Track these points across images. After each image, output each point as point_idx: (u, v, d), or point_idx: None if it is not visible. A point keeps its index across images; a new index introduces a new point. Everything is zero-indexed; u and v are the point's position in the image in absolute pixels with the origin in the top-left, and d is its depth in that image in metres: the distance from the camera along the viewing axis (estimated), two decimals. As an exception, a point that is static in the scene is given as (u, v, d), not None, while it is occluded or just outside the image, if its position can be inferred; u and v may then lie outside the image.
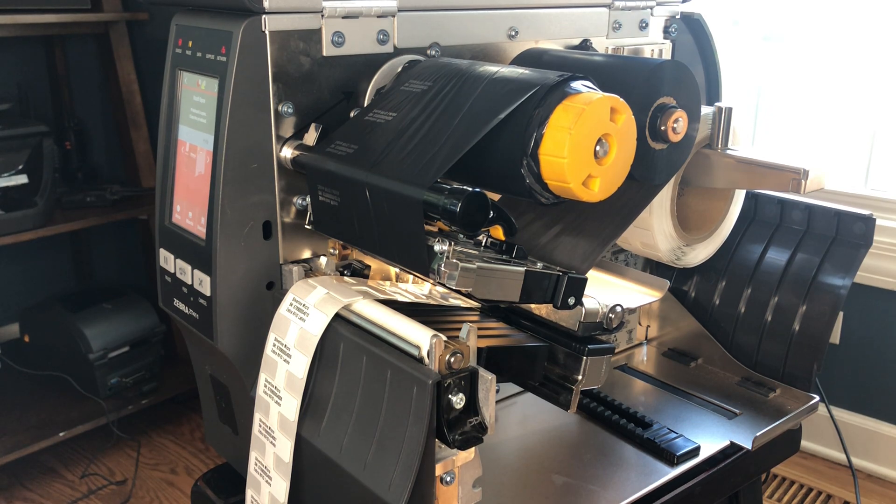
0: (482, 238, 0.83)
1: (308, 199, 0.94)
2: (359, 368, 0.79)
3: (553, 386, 0.91)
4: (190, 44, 0.95)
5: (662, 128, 0.92)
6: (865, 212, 1.16)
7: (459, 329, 0.75)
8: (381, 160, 0.81)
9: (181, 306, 0.99)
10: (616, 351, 1.29)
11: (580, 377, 0.88)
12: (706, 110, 1.08)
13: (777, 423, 1.11)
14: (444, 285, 0.76)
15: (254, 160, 0.91)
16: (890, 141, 2.09)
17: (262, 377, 0.88)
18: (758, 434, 1.07)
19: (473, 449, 0.78)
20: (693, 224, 1.19)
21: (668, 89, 0.92)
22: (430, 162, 0.77)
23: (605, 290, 1.07)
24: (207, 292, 0.93)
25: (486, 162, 0.81)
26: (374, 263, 0.98)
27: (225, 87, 0.88)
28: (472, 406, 0.75)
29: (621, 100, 0.79)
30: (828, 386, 2.14)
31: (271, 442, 0.87)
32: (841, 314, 2.07)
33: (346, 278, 0.94)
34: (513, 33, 1.07)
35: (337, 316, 0.82)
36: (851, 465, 1.77)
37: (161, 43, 1.02)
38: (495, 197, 0.86)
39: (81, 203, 2.26)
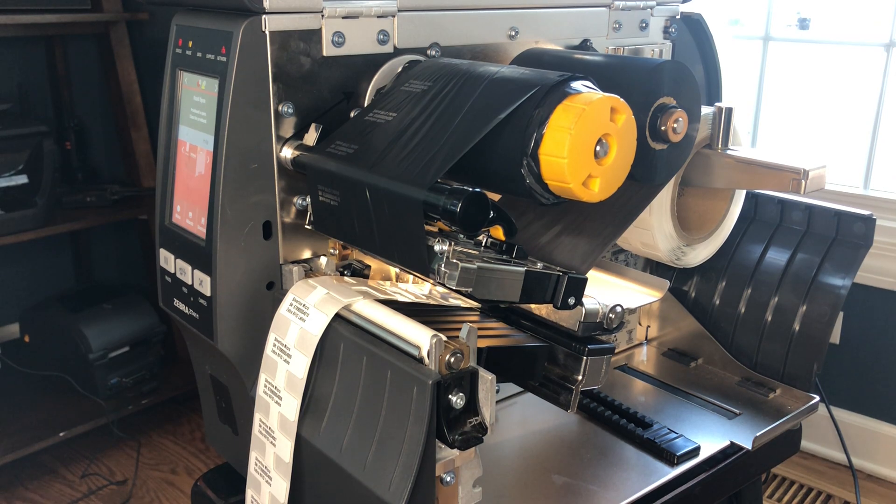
0: (482, 238, 0.83)
1: (308, 199, 0.94)
2: (359, 368, 0.79)
3: (553, 386, 0.91)
4: (190, 44, 0.95)
5: (662, 128, 0.92)
6: (865, 212, 1.16)
7: (459, 329, 0.75)
8: (381, 160, 0.81)
9: (181, 306, 0.99)
10: (616, 351, 1.29)
11: (580, 377, 0.88)
12: (706, 110, 1.08)
13: (777, 423, 1.11)
14: (444, 285, 0.76)
15: (254, 160, 0.91)
16: (890, 141, 2.09)
17: (263, 377, 0.88)
18: (758, 434, 1.07)
19: (473, 449, 0.78)
20: (693, 224, 1.19)
21: (668, 89, 0.92)
22: (431, 162, 0.77)
23: (605, 291, 1.07)
24: (207, 292, 0.93)
25: (487, 162, 0.81)
26: (374, 263, 0.98)
27: (225, 88, 0.88)
28: (472, 406, 0.75)
29: (621, 100, 0.79)
30: (828, 386, 2.14)
31: (271, 442, 0.87)
32: (841, 314, 2.07)
33: (346, 278, 0.94)
34: (513, 33, 1.07)
35: (337, 316, 0.82)
36: (851, 466, 1.77)
37: (161, 43, 1.02)
38: (495, 197, 0.86)
39: (81, 203, 2.26)
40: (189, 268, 0.96)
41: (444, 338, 0.74)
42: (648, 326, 1.38)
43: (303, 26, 0.90)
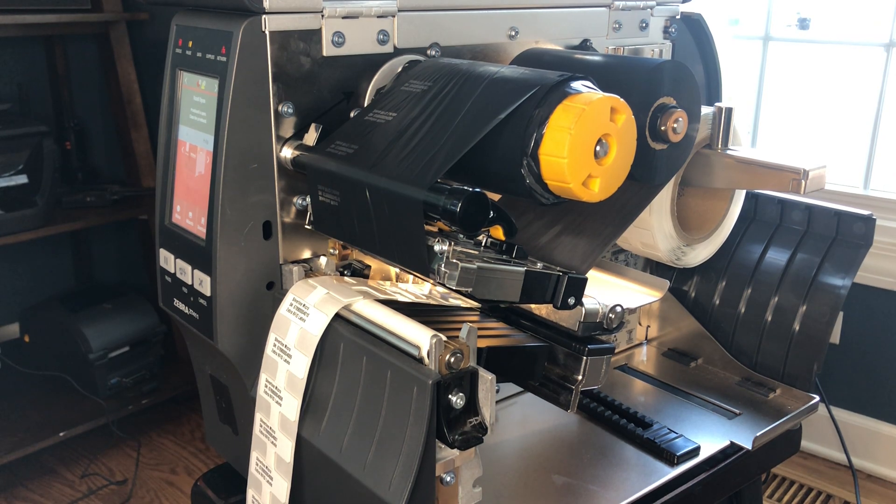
0: (482, 238, 0.83)
1: (308, 199, 0.94)
2: (359, 368, 0.79)
3: (553, 386, 0.91)
4: (190, 44, 0.95)
5: (662, 128, 0.92)
6: (865, 212, 1.16)
7: (459, 329, 0.75)
8: (381, 160, 0.81)
9: (181, 306, 0.99)
10: (616, 351, 1.29)
11: (580, 377, 0.88)
12: (706, 110, 1.08)
13: (777, 423, 1.11)
14: (444, 285, 0.76)
15: (254, 160, 0.91)
16: (890, 141, 2.09)
17: (263, 377, 0.88)
18: (758, 434, 1.07)
19: (473, 449, 0.78)
20: (693, 224, 1.19)
21: (668, 89, 0.92)
22: (431, 162, 0.77)
23: (605, 290, 1.07)
24: (207, 292, 0.93)
25: (487, 162, 0.81)
26: (375, 263, 0.98)
27: (225, 88, 0.88)
28: (472, 406, 0.75)
29: (621, 100, 0.79)
30: (828, 386, 2.14)
31: (272, 442, 0.87)
32: (841, 314, 2.07)
33: (346, 278, 0.94)
34: (513, 33, 1.07)
35: (337, 316, 0.82)
36: (851, 466, 1.77)
37: (161, 43, 1.02)
38: (495, 197, 0.86)
39: (81, 203, 2.26)
40: (189, 268, 0.96)
41: (444, 338, 0.74)
42: (648, 326, 1.38)
43: (303, 26, 0.90)
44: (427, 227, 0.77)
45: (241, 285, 0.93)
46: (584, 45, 1.15)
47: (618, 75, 0.94)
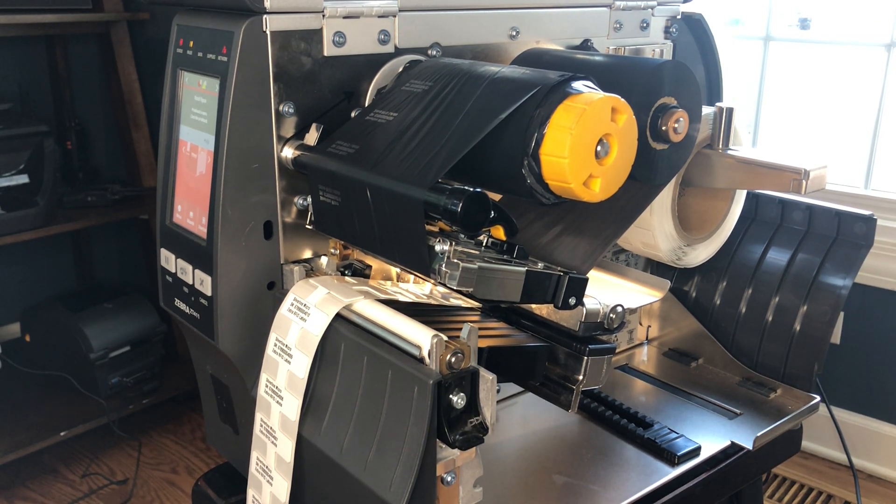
0: (483, 238, 0.83)
1: (309, 198, 0.94)
2: (360, 368, 0.79)
3: (554, 386, 0.91)
4: (191, 44, 0.95)
5: (663, 128, 0.92)
6: (866, 212, 1.16)
7: (460, 329, 0.75)
8: (382, 160, 0.81)
9: (182, 306, 0.99)
10: (617, 351, 1.29)
11: (581, 377, 0.88)
12: (707, 110, 1.08)
13: (778, 423, 1.11)
14: (444, 285, 0.76)
15: (255, 160, 0.91)
16: (890, 141, 2.09)
17: (264, 377, 0.88)
18: (759, 434, 1.07)
19: (474, 449, 0.78)
20: (694, 224, 1.19)
21: (669, 89, 0.92)
22: (431, 162, 0.77)
23: (605, 291, 1.07)
24: (208, 292, 0.93)
25: (487, 162, 0.81)
26: (375, 263, 0.98)
27: (226, 87, 0.88)
28: (473, 406, 0.75)
29: (622, 100, 0.79)
30: (828, 386, 2.14)
31: (273, 442, 0.87)
32: (842, 314, 2.07)
33: (346, 278, 0.94)
34: (514, 33, 1.07)
35: (338, 316, 0.82)
36: (852, 466, 1.77)
37: (162, 43, 1.02)
38: (496, 197, 0.86)
39: (82, 203, 2.26)
40: (190, 267, 0.96)
41: (445, 338, 0.74)
42: (649, 326, 1.38)
43: (304, 26, 0.90)
44: (428, 227, 0.77)
45: (242, 285, 0.93)
46: (585, 45, 1.15)
47: (618, 75, 0.94)
